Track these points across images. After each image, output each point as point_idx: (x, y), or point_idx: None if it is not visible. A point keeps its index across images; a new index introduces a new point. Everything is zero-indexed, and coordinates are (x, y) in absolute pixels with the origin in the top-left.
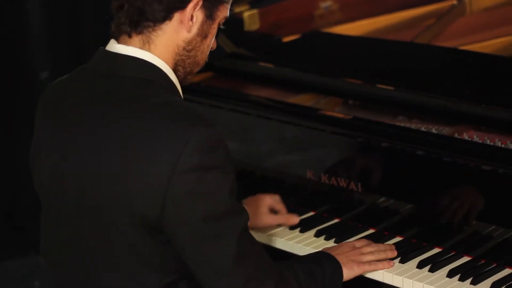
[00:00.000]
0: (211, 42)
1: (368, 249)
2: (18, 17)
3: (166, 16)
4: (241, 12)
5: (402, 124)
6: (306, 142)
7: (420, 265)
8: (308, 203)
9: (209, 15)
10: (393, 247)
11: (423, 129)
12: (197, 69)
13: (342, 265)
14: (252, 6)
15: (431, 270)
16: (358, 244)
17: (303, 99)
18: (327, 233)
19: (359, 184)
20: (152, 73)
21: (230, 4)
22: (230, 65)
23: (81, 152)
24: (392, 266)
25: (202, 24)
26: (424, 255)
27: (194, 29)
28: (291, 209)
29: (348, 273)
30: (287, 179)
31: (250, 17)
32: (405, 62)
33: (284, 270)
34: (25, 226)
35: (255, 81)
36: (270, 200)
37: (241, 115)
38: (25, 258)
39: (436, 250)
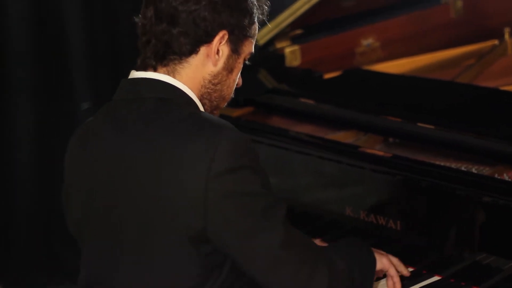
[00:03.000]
0: (236, 77)
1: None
2: (61, 47)
3: (193, 50)
4: (283, 48)
5: (442, 163)
6: (345, 178)
7: None
8: None
9: (235, 50)
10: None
11: (463, 168)
12: (223, 104)
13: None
14: (294, 42)
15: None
16: None
17: (343, 136)
18: None
19: (398, 223)
20: (170, 92)
21: (255, 40)
22: (270, 100)
23: (114, 177)
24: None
25: (228, 58)
26: None
27: (220, 63)
28: None
29: (379, 263)
30: (325, 215)
31: (292, 53)
32: (446, 101)
33: (333, 253)
34: (60, 255)
35: (295, 117)
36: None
37: (280, 150)
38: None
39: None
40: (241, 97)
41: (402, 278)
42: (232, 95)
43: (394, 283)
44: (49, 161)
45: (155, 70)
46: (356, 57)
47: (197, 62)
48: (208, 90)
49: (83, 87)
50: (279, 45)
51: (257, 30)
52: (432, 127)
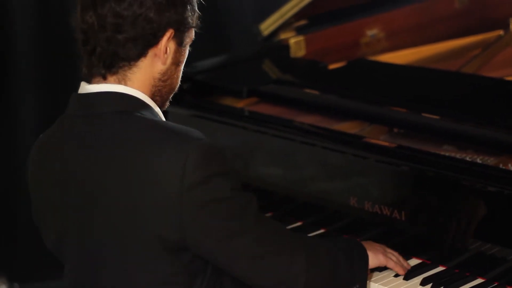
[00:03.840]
0: (182, 67)
1: (390, 250)
2: (66, 44)
3: (141, 54)
4: (287, 39)
5: (447, 154)
6: (350, 169)
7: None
8: (350, 230)
9: (180, 43)
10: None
11: (467, 158)
12: (172, 94)
13: (367, 250)
14: (299, 32)
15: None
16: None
17: (348, 127)
18: None
19: (402, 213)
20: (127, 103)
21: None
22: (275, 91)
23: (86, 197)
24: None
25: (175, 53)
26: (467, 285)
27: (169, 60)
28: None
29: (372, 258)
30: (330, 206)
31: (296, 44)
32: (451, 92)
33: (312, 243)
34: None
35: (300, 108)
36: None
37: (285, 141)
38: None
39: (479, 281)
40: (245, 88)
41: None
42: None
43: (398, 271)
44: None
45: (104, 78)
46: (361, 48)
47: (146, 64)
48: (159, 88)
49: None
50: (283, 35)
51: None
52: (437, 117)
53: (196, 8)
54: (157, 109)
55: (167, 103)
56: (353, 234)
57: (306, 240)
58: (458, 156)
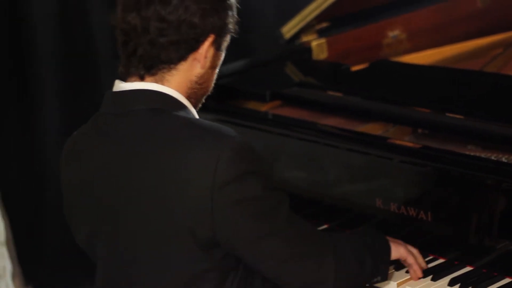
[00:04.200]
0: (216, 70)
1: (410, 246)
2: (88, 47)
3: (182, 58)
4: (309, 41)
5: (472, 153)
6: (374, 171)
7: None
8: None
9: (219, 48)
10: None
11: (492, 157)
12: (205, 96)
13: (389, 241)
14: (320, 35)
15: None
16: None
17: (372, 128)
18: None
19: (429, 214)
20: (161, 101)
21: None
22: (298, 93)
23: (118, 193)
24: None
25: (214, 57)
26: (495, 285)
27: (207, 64)
28: None
29: (394, 250)
30: (355, 208)
31: (318, 46)
32: (474, 91)
33: (340, 242)
34: None
35: (323, 110)
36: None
37: (309, 143)
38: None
39: (507, 280)
40: (268, 91)
41: (434, 269)
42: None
43: (414, 271)
44: None
45: (142, 79)
46: (383, 49)
47: (186, 68)
48: (195, 90)
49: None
50: (305, 38)
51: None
52: (461, 117)
53: (236, 14)
54: (192, 109)
55: (199, 106)
56: None
57: (335, 240)
58: (483, 155)
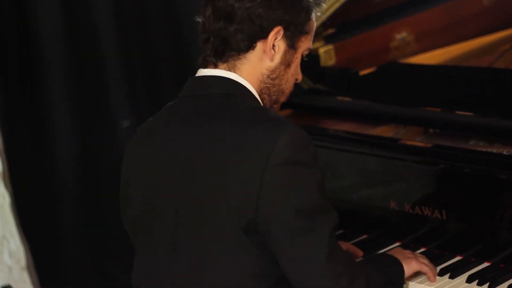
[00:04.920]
0: (295, 72)
1: (419, 255)
2: (96, 62)
3: (250, 46)
4: (317, 49)
5: (484, 149)
6: (387, 173)
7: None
8: (393, 233)
9: (291, 45)
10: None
11: (505, 153)
12: (283, 98)
13: (401, 260)
14: (327, 41)
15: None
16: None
17: (382, 131)
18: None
19: (443, 212)
20: (235, 88)
21: (312, 36)
22: (308, 101)
23: (174, 169)
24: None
25: (285, 53)
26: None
27: (277, 58)
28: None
29: (407, 268)
30: (371, 211)
31: (326, 53)
32: (483, 87)
33: (370, 269)
34: (112, 272)
35: (334, 116)
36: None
37: (321, 149)
38: None
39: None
40: None
41: (451, 266)
42: (291, 89)
43: (429, 278)
44: (93, 176)
45: (216, 66)
46: (391, 52)
47: (255, 58)
48: (267, 85)
49: (121, 102)
50: (312, 46)
51: (314, 26)
52: (470, 114)
53: (314, 18)
54: (260, 101)
55: (276, 106)
56: (395, 238)
57: (367, 270)
58: (494, 151)
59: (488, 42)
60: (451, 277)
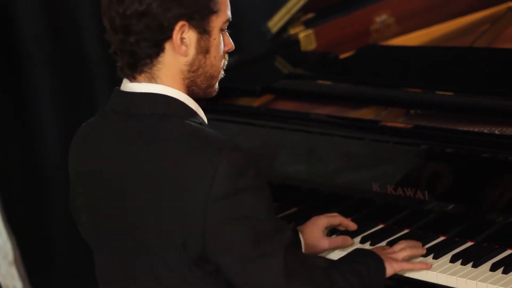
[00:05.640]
0: (217, 53)
1: (399, 246)
2: (79, 58)
3: (158, 50)
4: (297, 34)
5: (465, 128)
6: (369, 155)
7: (494, 268)
8: (376, 216)
9: (203, 31)
10: (420, 244)
11: (486, 131)
12: (214, 81)
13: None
14: (307, 26)
15: (505, 272)
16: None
17: (364, 114)
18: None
19: (426, 193)
20: (168, 106)
21: (226, 7)
22: (288, 86)
23: (119, 194)
24: (429, 267)
25: (198, 42)
26: (497, 258)
27: (192, 50)
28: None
29: (388, 269)
30: (353, 194)
31: (306, 38)
32: (464, 67)
33: (333, 274)
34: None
35: (315, 100)
36: (325, 220)
37: (303, 134)
38: None
39: (509, 252)
40: (258, 86)
41: (435, 247)
42: (223, 66)
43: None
44: None
45: (134, 78)
46: (372, 35)
47: (168, 59)
48: (191, 79)
49: (106, 98)
50: (292, 31)
51: None
52: (451, 93)
53: None
54: (199, 111)
55: (213, 90)
56: (378, 220)
57: (331, 276)
58: (476, 130)
59: (468, 23)
60: (435, 257)
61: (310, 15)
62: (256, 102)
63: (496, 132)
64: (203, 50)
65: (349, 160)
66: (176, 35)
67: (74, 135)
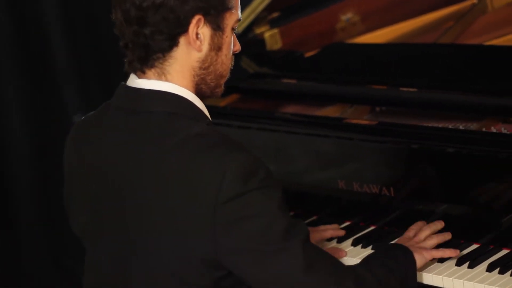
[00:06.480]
0: (228, 51)
1: (424, 234)
2: (46, 62)
3: (172, 44)
4: (262, 33)
5: (430, 124)
6: (335, 152)
7: (490, 269)
8: (343, 213)
9: (217, 27)
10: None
11: (450, 127)
12: (223, 80)
13: (414, 253)
14: (272, 25)
15: (501, 272)
16: (411, 233)
17: (330, 111)
18: (364, 241)
19: (391, 189)
20: (177, 104)
21: (238, 6)
22: (254, 85)
23: (120, 193)
24: (459, 254)
25: (212, 38)
26: (492, 258)
27: (205, 46)
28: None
29: (419, 259)
30: (320, 192)
31: (272, 37)
32: (428, 63)
33: (359, 268)
34: (68, 267)
35: (281, 98)
36: (318, 235)
37: (269, 133)
38: None
39: (505, 252)
40: (224, 85)
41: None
42: (230, 67)
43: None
44: (47, 177)
45: (143, 73)
46: (338, 33)
47: (181, 54)
48: (201, 76)
49: (74, 98)
50: (258, 30)
51: None
52: (415, 90)
53: None
54: (205, 111)
55: (220, 89)
56: (345, 218)
57: (356, 270)
58: (440, 125)
59: (433, 19)
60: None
61: (275, 15)
62: (222, 102)
63: (461, 127)
64: (216, 47)
65: (314, 158)
66: (192, 29)
67: (70, 130)
